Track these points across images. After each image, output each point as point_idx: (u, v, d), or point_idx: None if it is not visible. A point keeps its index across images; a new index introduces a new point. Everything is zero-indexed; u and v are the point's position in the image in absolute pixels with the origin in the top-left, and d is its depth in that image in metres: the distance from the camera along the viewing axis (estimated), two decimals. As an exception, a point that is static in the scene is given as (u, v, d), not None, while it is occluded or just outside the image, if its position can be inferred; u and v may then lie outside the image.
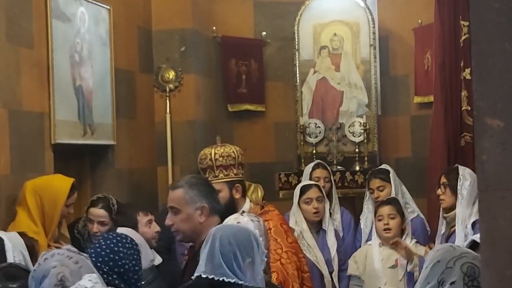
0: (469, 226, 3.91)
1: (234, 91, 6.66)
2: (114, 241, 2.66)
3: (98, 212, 4.14)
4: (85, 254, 2.52)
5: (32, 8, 4.32)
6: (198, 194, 3.16)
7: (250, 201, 3.84)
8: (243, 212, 3.00)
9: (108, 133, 5.18)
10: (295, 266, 3.60)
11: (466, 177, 4.00)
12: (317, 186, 4.76)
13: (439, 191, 4.13)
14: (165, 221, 3.18)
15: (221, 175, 3.72)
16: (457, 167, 4.16)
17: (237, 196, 3.73)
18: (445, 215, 4.11)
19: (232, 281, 2.48)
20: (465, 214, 3.93)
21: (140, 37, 5.85)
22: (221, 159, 3.73)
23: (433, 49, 5.77)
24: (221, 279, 2.48)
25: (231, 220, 3.00)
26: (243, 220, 2.97)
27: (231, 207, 3.70)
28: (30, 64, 4.28)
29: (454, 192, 4.01)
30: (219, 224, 3.06)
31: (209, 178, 3.69)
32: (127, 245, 2.68)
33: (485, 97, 1.45)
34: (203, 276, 2.50)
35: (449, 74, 5.52)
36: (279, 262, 3.52)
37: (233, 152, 3.79)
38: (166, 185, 6.00)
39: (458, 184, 3.98)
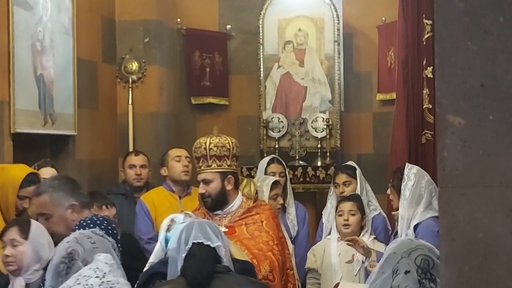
0: (412, 228, 3.81)
1: (198, 83, 6.64)
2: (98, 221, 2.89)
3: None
4: (111, 239, 2.57)
5: (-7, -6, 4.24)
6: (65, 195, 3.27)
7: (243, 195, 3.84)
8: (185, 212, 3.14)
9: (69, 123, 5.11)
10: (282, 260, 3.64)
11: (410, 177, 3.89)
12: None
13: (388, 191, 4.11)
14: None
15: (214, 165, 3.70)
16: (403, 166, 4.02)
17: (229, 187, 3.73)
18: (393, 213, 4.10)
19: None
20: (408, 214, 3.82)
21: (103, 27, 5.79)
22: (215, 149, 3.71)
23: (396, 47, 5.82)
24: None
25: (178, 217, 3.13)
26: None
27: (222, 198, 3.73)
28: (-10, 51, 4.21)
29: (398, 192, 3.94)
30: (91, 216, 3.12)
31: (202, 168, 3.70)
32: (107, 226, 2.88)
33: (447, 95, 1.46)
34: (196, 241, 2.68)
35: (411, 72, 5.56)
36: (271, 252, 3.56)
37: (228, 143, 3.77)
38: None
39: (402, 184, 3.89)
